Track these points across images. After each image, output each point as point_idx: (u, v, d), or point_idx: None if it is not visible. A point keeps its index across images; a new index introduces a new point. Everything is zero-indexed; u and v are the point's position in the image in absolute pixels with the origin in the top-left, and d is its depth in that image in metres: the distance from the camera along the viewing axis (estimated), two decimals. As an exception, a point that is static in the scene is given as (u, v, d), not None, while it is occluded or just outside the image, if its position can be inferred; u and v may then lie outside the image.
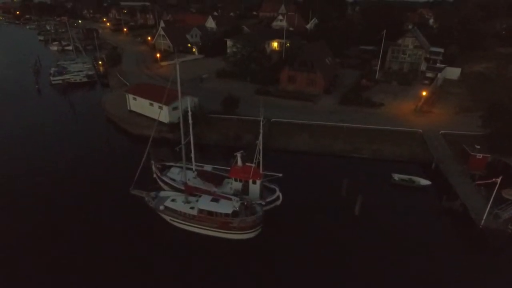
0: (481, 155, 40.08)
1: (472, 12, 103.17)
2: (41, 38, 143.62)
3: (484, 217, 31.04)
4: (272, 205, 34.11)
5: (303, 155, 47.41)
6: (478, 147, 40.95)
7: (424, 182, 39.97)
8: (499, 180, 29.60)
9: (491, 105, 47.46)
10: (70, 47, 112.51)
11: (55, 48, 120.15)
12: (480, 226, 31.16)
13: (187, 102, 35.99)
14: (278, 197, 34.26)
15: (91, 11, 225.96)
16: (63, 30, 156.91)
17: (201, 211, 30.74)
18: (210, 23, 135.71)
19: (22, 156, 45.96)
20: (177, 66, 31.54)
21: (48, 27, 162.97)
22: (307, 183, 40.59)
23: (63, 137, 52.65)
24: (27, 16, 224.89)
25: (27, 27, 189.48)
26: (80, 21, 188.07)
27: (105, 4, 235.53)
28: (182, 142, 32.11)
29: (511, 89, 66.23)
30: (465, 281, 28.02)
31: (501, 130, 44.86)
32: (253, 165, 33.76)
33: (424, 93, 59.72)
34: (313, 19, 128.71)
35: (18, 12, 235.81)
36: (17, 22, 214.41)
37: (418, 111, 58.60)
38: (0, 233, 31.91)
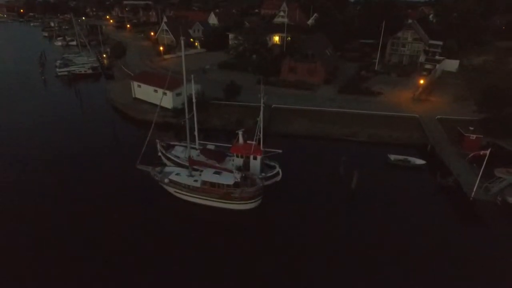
0: (475, 136, 41.38)
1: (471, 7, 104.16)
2: (46, 34, 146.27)
3: (474, 189, 32.43)
4: (272, 181, 35.52)
5: (302, 139, 48.78)
6: (472, 128, 42.27)
7: (419, 161, 41.40)
8: (488, 152, 31.04)
9: (486, 90, 48.82)
10: (74, 42, 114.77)
11: (59, 43, 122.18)
12: (471, 198, 32.56)
13: (191, 85, 37.42)
14: (278, 173, 35.69)
15: (94, 9, 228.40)
16: (66, 27, 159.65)
17: (204, 182, 32.25)
18: (212, 20, 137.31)
19: (33, 140, 47.53)
20: (183, 53, 33.25)
21: (52, 24, 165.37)
22: (306, 163, 42.11)
23: (70, 122, 54.32)
24: (31, 14, 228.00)
25: (31, 24, 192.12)
26: (84, 18, 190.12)
27: (107, 3, 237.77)
28: (186, 116, 33.63)
29: (509, 80, 67.45)
30: (458, 248, 29.24)
31: (495, 114, 46.29)
32: (254, 142, 35.30)
33: (421, 81, 61.06)
34: (314, 15, 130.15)
35: (22, 10, 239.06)
36: (21, 20, 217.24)
37: (416, 99, 59.95)
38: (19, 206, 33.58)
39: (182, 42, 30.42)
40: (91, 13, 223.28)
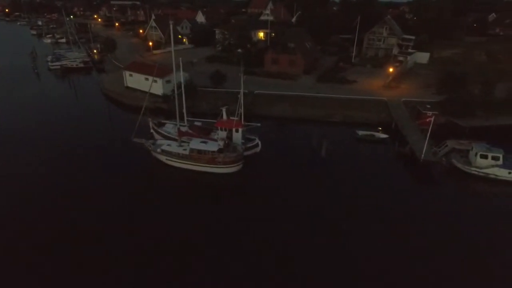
0: (431, 113, 47.05)
1: (443, 5, 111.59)
2: (34, 32, 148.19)
3: (424, 152, 38.10)
4: (252, 151, 40.41)
5: (282, 120, 53.89)
6: (429, 106, 48.04)
7: (383, 136, 47.07)
8: (432, 118, 36.79)
9: (444, 75, 54.81)
10: (63, 40, 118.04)
11: (48, 40, 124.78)
12: (421, 160, 38.25)
13: (180, 70, 41.88)
14: (257, 144, 40.60)
15: (81, 9, 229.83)
16: (54, 26, 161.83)
17: (192, 150, 36.92)
18: (200, 18, 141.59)
19: (32, 126, 51.00)
20: (172, 37, 37.80)
21: (40, 23, 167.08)
22: (284, 139, 47.75)
23: (66, 109, 58.17)
24: (17, 13, 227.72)
25: (18, 23, 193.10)
26: (72, 17, 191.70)
27: (94, 3, 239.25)
28: (175, 91, 38.22)
29: (474, 70, 73.96)
30: (410, 202, 34.57)
31: (450, 96, 52.27)
32: (236, 118, 40.12)
33: (391, 70, 66.90)
34: (298, 13, 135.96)
35: (7, 10, 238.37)
36: (7, 19, 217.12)
37: (387, 87, 65.68)
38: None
39: (171, 25, 34.97)
40: (78, 12, 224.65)
